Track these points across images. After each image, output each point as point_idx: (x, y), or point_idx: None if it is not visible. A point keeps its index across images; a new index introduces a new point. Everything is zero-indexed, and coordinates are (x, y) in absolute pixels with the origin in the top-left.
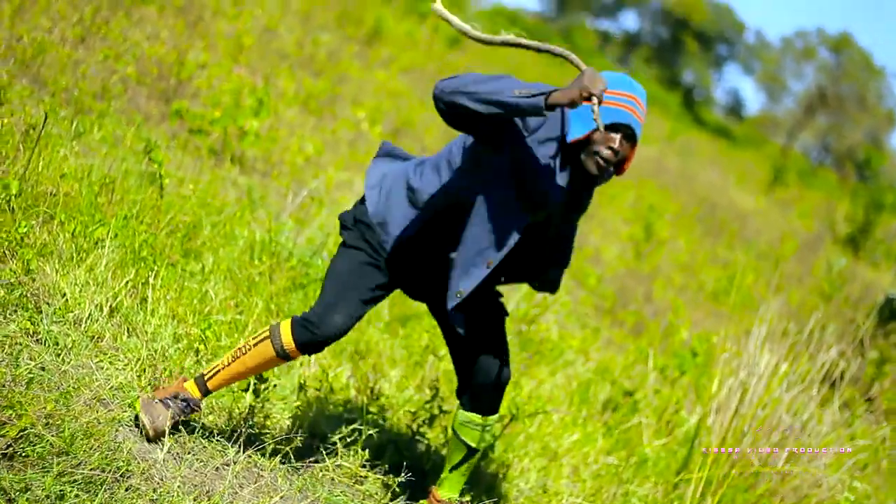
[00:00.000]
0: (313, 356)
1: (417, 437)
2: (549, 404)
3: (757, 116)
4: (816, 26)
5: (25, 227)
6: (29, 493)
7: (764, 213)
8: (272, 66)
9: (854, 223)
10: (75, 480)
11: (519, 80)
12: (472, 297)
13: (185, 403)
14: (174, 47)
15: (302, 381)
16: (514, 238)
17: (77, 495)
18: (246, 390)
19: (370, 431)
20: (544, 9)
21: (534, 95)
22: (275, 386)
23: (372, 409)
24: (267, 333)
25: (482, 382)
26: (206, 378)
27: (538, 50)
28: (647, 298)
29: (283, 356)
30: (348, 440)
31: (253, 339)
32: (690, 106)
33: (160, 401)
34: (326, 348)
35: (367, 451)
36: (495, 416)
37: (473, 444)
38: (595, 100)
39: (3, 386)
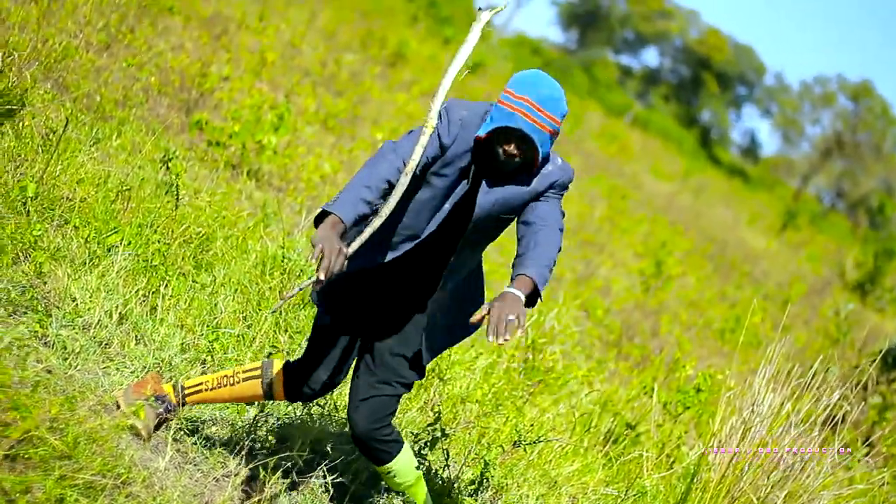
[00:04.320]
0: None
1: (418, 459)
2: (551, 433)
3: (772, 158)
4: (837, 73)
5: (40, 229)
6: (29, 495)
7: (774, 255)
8: (294, 82)
9: (863, 269)
10: (76, 485)
11: (352, 188)
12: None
13: (162, 403)
14: (198, 59)
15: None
16: (407, 246)
17: (77, 500)
18: (250, 404)
19: None
20: (566, 41)
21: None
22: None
23: None
24: (258, 373)
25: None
26: (186, 392)
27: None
28: (654, 333)
29: (269, 398)
30: (349, 458)
31: (244, 372)
32: (707, 145)
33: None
34: None
35: (367, 469)
36: (390, 464)
37: (398, 490)
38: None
39: (10, 387)
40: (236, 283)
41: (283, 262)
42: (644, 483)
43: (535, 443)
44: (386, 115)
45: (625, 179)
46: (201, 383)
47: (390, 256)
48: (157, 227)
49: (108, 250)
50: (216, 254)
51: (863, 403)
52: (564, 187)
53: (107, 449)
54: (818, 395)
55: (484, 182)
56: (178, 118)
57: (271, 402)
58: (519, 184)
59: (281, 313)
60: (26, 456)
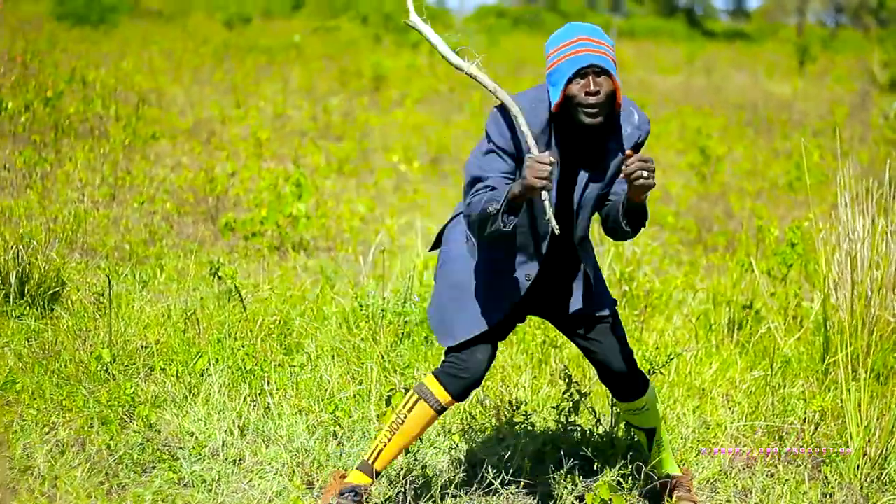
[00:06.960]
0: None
1: (570, 428)
2: (678, 347)
3: (762, 7)
4: None
5: (131, 387)
6: None
7: (804, 94)
8: (295, 148)
9: (892, 67)
10: None
11: (490, 193)
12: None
13: (354, 494)
14: (199, 168)
15: (443, 422)
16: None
17: None
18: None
19: (523, 441)
20: None
21: (499, 203)
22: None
23: (517, 419)
24: (417, 396)
25: (609, 375)
26: (371, 461)
27: (489, 89)
28: (728, 215)
29: (440, 411)
30: (505, 457)
31: (405, 407)
32: (696, 24)
33: None
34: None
35: (526, 460)
36: (645, 397)
37: (644, 426)
38: (544, 193)
39: None
40: (330, 350)
41: (362, 310)
42: (784, 352)
43: (667, 363)
44: (392, 136)
45: (637, 90)
46: (376, 446)
47: (525, 283)
48: (235, 334)
49: (201, 375)
50: (300, 332)
51: None
52: (643, 145)
53: None
54: None
55: (581, 171)
56: (207, 230)
57: (445, 412)
58: (609, 152)
59: (382, 357)
60: None
